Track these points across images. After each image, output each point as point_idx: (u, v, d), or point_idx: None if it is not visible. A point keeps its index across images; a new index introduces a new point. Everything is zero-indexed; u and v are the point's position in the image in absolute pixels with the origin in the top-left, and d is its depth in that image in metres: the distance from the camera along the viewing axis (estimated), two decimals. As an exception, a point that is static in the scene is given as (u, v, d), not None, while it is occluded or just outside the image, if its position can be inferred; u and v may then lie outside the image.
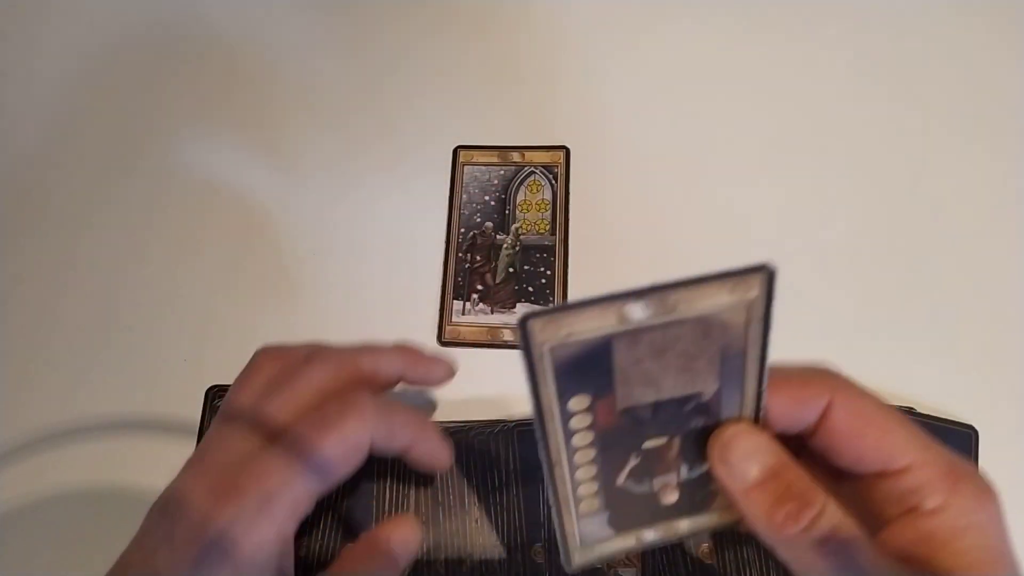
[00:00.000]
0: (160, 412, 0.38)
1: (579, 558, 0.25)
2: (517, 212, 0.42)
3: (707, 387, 0.22)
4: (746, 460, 0.22)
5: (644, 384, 0.22)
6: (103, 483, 0.37)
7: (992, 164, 0.42)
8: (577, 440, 0.22)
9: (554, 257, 0.40)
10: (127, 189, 0.44)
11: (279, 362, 0.30)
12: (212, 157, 0.44)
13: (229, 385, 0.37)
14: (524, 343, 0.20)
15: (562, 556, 0.25)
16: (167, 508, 0.27)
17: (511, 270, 0.40)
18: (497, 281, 0.40)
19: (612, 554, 0.26)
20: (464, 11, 0.47)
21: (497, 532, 0.34)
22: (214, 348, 0.39)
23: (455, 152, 0.43)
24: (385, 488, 0.35)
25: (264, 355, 0.31)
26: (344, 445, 0.27)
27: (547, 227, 0.41)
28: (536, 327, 0.20)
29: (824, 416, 0.23)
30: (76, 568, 0.35)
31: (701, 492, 0.25)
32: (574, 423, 0.22)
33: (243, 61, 0.47)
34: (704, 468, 0.24)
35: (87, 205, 0.43)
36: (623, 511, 0.25)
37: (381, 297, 0.40)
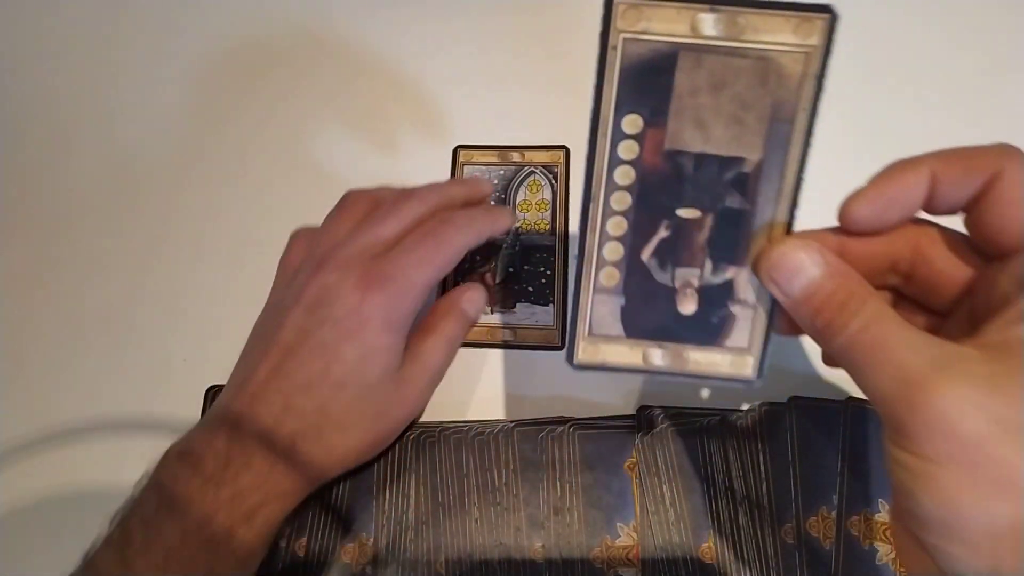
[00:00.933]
0: (160, 412, 0.38)
1: (583, 354, 0.26)
2: (517, 212, 0.42)
3: (751, 154, 0.23)
4: (792, 278, 0.23)
5: (695, 125, 0.23)
6: (103, 483, 0.37)
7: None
8: (619, 176, 0.24)
9: (554, 257, 0.40)
10: (127, 189, 0.44)
11: (370, 200, 0.36)
12: (212, 158, 0.45)
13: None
14: (604, 25, 0.22)
15: (566, 348, 0.26)
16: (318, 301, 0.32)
17: (511, 270, 0.40)
18: (497, 281, 0.40)
19: (615, 364, 0.26)
20: (463, 10, 0.47)
21: (497, 532, 0.34)
22: (214, 348, 0.40)
23: (455, 152, 0.43)
24: (385, 488, 0.35)
25: (354, 195, 0.36)
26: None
27: (547, 227, 0.41)
28: (620, 9, 0.22)
29: (990, 185, 0.22)
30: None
31: (718, 312, 0.25)
32: (621, 150, 0.23)
33: (244, 64, 0.47)
34: (727, 275, 0.25)
35: (86, 206, 0.44)
36: (639, 306, 0.25)
37: None
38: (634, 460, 0.34)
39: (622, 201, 0.24)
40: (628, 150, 0.23)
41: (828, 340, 0.23)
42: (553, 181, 0.42)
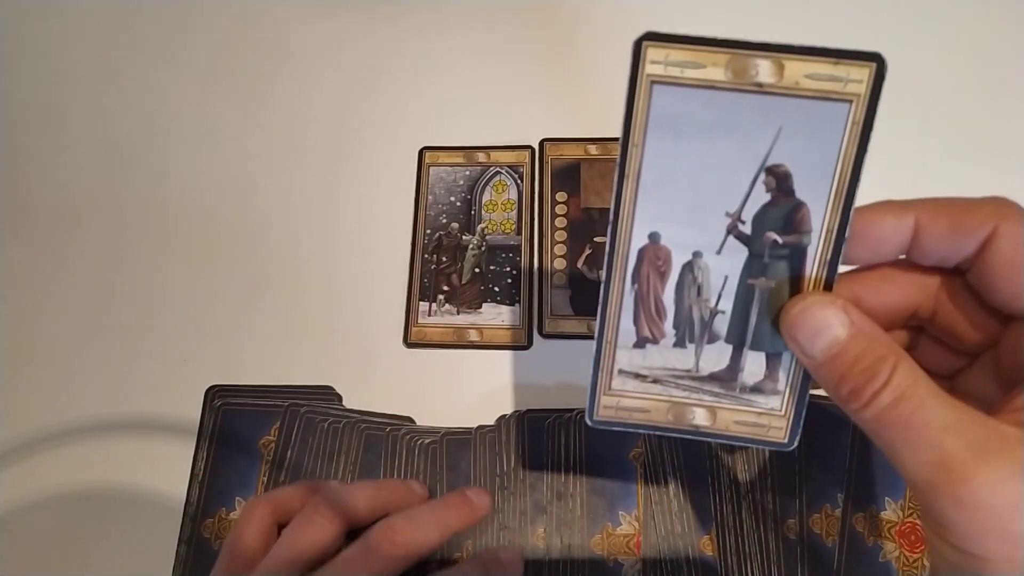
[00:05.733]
0: (160, 412, 0.39)
1: (548, 327, 0.40)
2: (483, 212, 0.43)
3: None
4: (813, 337, 0.22)
5: (595, 193, 0.43)
6: (103, 483, 0.38)
7: (1001, 164, 0.43)
8: (558, 223, 0.42)
9: (520, 256, 0.42)
10: (126, 190, 0.45)
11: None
12: (210, 159, 0.46)
13: (229, 385, 0.39)
14: (540, 149, 0.44)
15: (536, 326, 0.40)
16: None
17: (477, 270, 0.42)
18: (463, 282, 0.42)
19: (570, 333, 0.40)
20: (427, 11, 0.49)
21: (503, 516, 0.35)
22: (214, 348, 0.41)
23: (420, 153, 0.45)
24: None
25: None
26: None
27: (513, 227, 0.43)
28: (547, 145, 0.44)
29: (985, 246, 0.21)
30: (76, 568, 0.37)
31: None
32: (558, 210, 0.43)
33: (225, 66, 0.48)
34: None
35: (86, 205, 0.45)
36: (579, 294, 0.41)
37: (348, 300, 0.42)
38: (640, 450, 0.36)
39: (561, 235, 0.42)
40: (560, 210, 0.43)
41: (855, 411, 0.21)
42: (519, 181, 0.44)
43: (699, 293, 0.24)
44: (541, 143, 0.44)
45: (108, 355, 0.41)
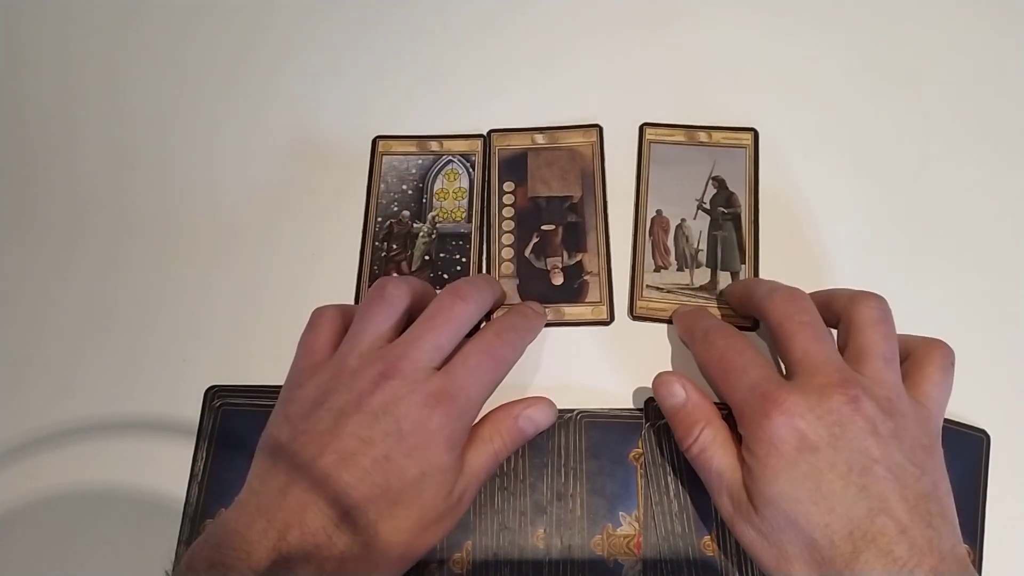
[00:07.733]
0: (159, 412, 0.40)
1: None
2: (434, 200, 0.44)
3: (575, 192, 0.43)
4: (664, 398, 0.34)
5: (541, 182, 0.44)
6: (102, 483, 0.38)
7: (1004, 162, 0.43)
8: (505, 212, 0.43)
9: (470, 244, 0.42)
10: (125, 188, 0.45)
11: (409, 293, 0.37)
12: (209, 156, 0.46)
13: (229, 385, 0.39)
14: (487, 141, 0.44)
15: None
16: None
17: (427, 258, 0.42)
18: (413, 269, 0.42)
19: None
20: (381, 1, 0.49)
21: (503, 516, 0.35)
22: (214, 348, 0.41)
23: (374, 142, 0.45)
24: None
25: (389, 285, 0.36)
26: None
27: (463, 215, 0.43)
28: (494, 136, 0.45)
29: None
30: (76, 568, 0.37)
31: (577, 280, 0.41)
32: (505, 200, 0.43)
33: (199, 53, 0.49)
34: (577, 259, 0.41)
35: (85, 204, 0.45)
36: (528, 283, 0.41)
37: (298, 287, 0.42)
38: (640, 451, 0.36)
39: (509, 225, 0.42)
40: (508, 199, 0.43)
41: (681, 446, 0.33)
42: (470, 170, 0.44)
43: (687, 240, 0.41)
44: (489, 133, 0.45)
45: (107, 355, 0.41)
